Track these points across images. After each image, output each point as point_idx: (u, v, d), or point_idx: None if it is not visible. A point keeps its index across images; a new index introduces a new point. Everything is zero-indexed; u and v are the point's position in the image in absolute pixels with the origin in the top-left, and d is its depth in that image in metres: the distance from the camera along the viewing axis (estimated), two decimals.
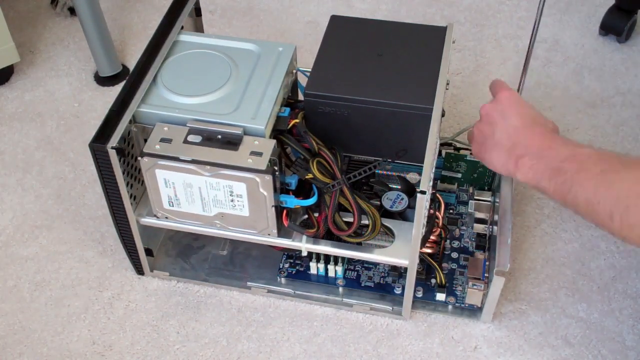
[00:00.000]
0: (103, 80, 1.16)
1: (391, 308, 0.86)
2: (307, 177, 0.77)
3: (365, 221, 0.78)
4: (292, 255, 0.90)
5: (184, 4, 0.89)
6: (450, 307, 0.86)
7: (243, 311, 0.88)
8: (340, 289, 0.88)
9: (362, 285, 0.88)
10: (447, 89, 0.81)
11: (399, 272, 0.88)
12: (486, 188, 0.94)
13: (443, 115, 0.82)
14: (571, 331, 0.85)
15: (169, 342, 0.85)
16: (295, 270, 0.89)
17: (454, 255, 0.89)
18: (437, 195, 0.85)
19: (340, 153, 0.79)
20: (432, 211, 0.83)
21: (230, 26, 1.25)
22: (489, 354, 0.83)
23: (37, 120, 1.11)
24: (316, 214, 0.80)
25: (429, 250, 0.85)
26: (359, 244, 0.80)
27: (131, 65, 1.17)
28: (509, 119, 0.76)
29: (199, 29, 0.93)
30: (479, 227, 0.91)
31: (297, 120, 0.79)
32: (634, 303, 0.87)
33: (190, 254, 0.92)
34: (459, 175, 0.95)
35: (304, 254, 0.83)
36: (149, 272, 0.90)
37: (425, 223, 0.80)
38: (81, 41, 1.21)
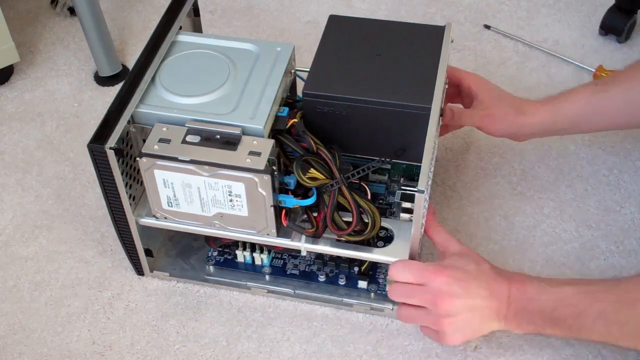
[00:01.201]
0: (103, 80, 1.16)
1: (391, 308, 0.86)
2: None
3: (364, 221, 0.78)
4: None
5: (182, 4, 0.89)
6: (372, 294, 0.86)
7: (243, 311, 0.88)
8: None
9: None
10: (445, 88, 0.81)
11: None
12: (415, 178, 0.91)
13: (441, 114, 0.82)
14: None
15: (169, 342, 0.85)
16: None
17: (380, 244, 0.85)
18: (362, 184, 0.82)
19: (339, 152, 0.79)
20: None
21: (230, 26, 1.25)
22: (489, 354, 0.83)
23: (37, 120, 1.11)
24: (315, 214, 0.80)
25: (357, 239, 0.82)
26: (360, 242, 0.80)
27: (131, 65, 1.17)
28: (463, 299, 0.75)
29: (197, 29, 0.93)
30: (406, 217, 0.86)
31: (295, 120, 0.79)
32: None
33: (190, 254, 0.92)
34: (389, 167, 0.91)
35: (304, 253, 0.83)
36: (149, 273, 0.90)
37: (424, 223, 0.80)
38: (81, 41, 1.21)
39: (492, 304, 0.75)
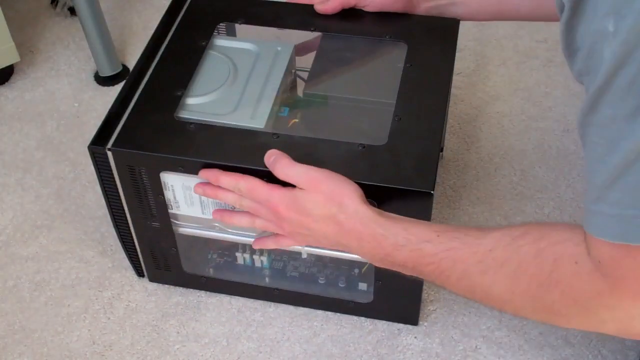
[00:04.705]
0: (103, 80, 1.16)
1: None
2: None
3: None
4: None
5: (182, 4, 0.89)
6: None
7: (243, 311, 0.88)
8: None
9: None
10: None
11: None
12: None
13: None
14: (571, 331, 0.85)
15: (169, 342, 0.85)
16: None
17: None
18: None
19: None
20: None
21: None
22: (488, 354, 0.83)
23: (37, 120, 1.11)
24: None
25: None
26: None
27: (131, 65, 1.17)
28: (313, 231, 0.70)
29: None
30: None
31: (296, 120, 0.79)
32: None
33: (190, 257, 0.92)
34: None
35: (304, 255, 0.83)
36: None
37: None
38: (81, 41, 1.21)
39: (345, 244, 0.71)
